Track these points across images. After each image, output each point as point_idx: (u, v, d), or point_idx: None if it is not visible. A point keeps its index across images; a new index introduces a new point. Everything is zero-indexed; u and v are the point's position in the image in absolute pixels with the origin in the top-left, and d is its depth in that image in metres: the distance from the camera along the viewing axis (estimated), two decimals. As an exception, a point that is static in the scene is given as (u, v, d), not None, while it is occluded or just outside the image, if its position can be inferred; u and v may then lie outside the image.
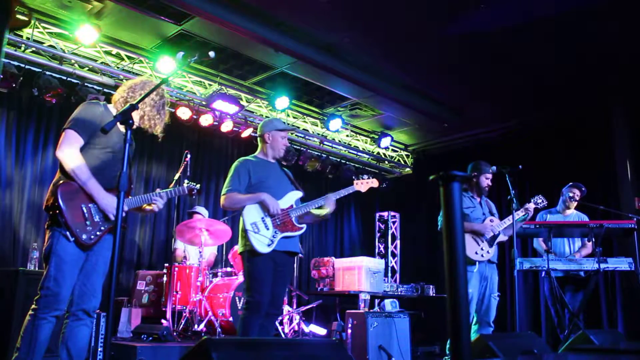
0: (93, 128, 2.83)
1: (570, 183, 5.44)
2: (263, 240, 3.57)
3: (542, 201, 4.60)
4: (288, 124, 7.79)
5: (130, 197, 2.99)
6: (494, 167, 4.51)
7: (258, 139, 3.92)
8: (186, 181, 3.46)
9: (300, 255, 6.92)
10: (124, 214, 2.87)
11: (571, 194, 5.37)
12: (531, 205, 4.56)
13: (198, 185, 3.39)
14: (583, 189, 5.38)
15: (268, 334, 3.68)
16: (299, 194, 3.85)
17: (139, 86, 3.04)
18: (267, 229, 3.61)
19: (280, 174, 3.88)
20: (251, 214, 3.62)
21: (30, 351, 2.60)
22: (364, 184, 4.09)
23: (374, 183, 4.13)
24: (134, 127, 3.04)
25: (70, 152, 2.76)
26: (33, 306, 2.69)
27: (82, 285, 2.81)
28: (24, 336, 2.64)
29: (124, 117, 2.40)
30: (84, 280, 2.82)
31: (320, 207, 3.84)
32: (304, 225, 3.79)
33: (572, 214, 5.39)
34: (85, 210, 2.77)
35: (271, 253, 3.58)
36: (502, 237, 4.61)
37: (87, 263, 2.84)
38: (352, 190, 4.03)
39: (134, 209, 3.04)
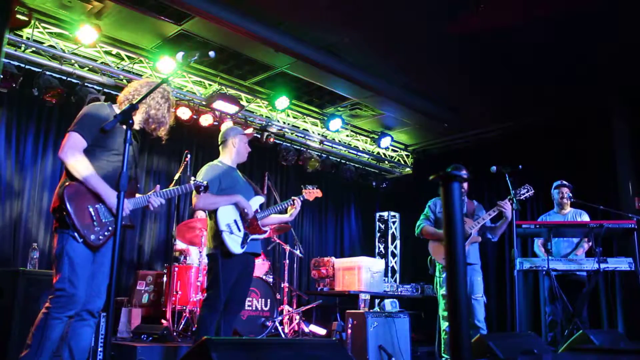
0: (98, 130, 2.81)
1: (555, 184, 5.48)
2: (237, 241, 3.71)
3: (528, 191, 4.63)
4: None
5: (138, 195, 3.00)
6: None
7: (221, 145, 4.03)
8: (192, 178, 3.47)
9: (299, 255, 6.98)
10: (127, 214, 2.90)
11: (559, 195, 5.41)
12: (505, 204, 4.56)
13: (205, 182, 3.40)
14: (568, 184, 5.41)
15: (231, 328, 3.84)
16: (261, 199, 4.03)
17: (144, 87, 3.03)
18: (239, 230, 3.76)
19: (243, 179, 4.04)
20: (226, 215, 3.73)
21: (40, 349, 2.60)
22: (312, 193, 4.34)
23: (318, 193, 4.39)
24: (138, 128, 3.08)
25: (72, 153, 2.75)
26: (47, 304, 2.68)
27: (89, 288, 2.81)
28: (35, 333, 2.64)
29: (124, 117, 2.41)
30: (89, 281, 2.81)
31: (281, 212, 4.10)
32: (268, 229, 4.02)
33: (570, 212, 5.40)
34: (92, 212, 2.77)
35: (242, 254, 3.72)
36: (476, 238, 4.69)
37: (93, 264, 2.83)
38: (303, 198, 4.26)
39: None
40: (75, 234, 2.70)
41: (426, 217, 5.04)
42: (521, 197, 4.65)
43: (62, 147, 2.79)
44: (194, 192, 3.75)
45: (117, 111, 2.97)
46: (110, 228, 2.83)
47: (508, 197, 4.54)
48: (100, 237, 2.78)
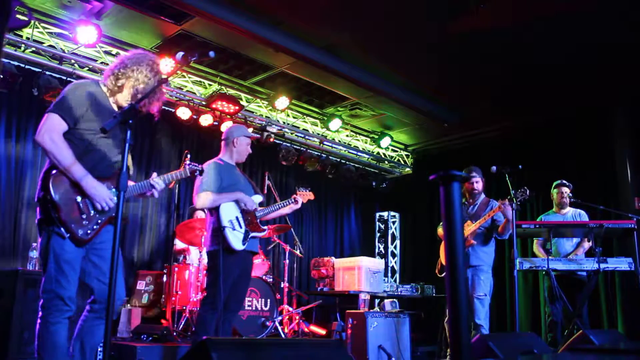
0: (81, 111, 2.60)
1: (554, 184, 5.48)
2: (239, 237, 3.75)
3: (523, 193, 4.64)
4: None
5: (132, 183, 2.81)
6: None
7: (223, 142, 4.07)
8: (187, 162, 3.40)
9: (299, 255, 6.98)
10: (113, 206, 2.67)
11: (559, 194, 5.40)
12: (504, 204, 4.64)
13: (201, 167, 3.29)
14: (568, 184, 5.41)
15: (230, 327, 3.87)
16: (260, 198, 4.07)
17: (131, 61, 2.76)
18: (241, 227, 3.80)
19: (244, 177, 4.09)
20: (228, 212, 3.77)
21: (55, 358, 2.47)
22: (305, 196, 4.42)
23: (311, 196, 4.47)
24: (127, 105, 2.70)
25: (50, 137, 2.50)
26: (40, 313, 2.50)
27: (100, 283, 2.62)
28: (41, 345, 2.47)
29: (124, 117, 2.32)
30: (100, 276, 2.63)
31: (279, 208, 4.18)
32: (266, 228, 4.10)
33: (570, 212, 5.40)
34: (81, 204, 2.55)
35: (242, 252, 3.76)
36: (469, 242, 4.78)
37: (98, 258, 2.65)
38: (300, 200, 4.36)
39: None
40: (62, 229, 2.48)
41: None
42: (518, 200, 4.68)
43: (39, 130, 2.53)
44: (195, 190, 3.77)
45: (104, 88, 2.78)
46: (99, 221, 2.60)
47: (508, 198, 4.56)
48: (89, 231, 2.56)
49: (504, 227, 4.76)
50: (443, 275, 5.05)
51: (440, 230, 5.19)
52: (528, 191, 4.55)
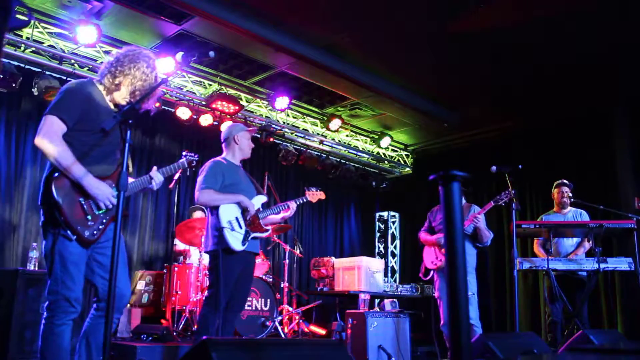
0: (80, 111, 2.58)
1: (555, 183, 5.49)
2: (238, 237, 3.74)
3: (507, 196, 4.68)
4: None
5: (132, 179, 2.81)
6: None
7: (224, 143, 4.04)
8: (184, 153, 3.36)
9: (299, 255, 6.98)
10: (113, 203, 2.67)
11: (560, 194, 5.40)
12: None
13: (197, 156, 3.27)
14: (569, 183, 5.41)
15: (232, 327, 3.88)
16: (263, 198, 4.05)
17: (127, 58, 2.72)
18: (241, 227, 3.78)
19: (247, 177, 4.07)
20: (227, 213, 3.75)
21: (58, 359, 2.47)
22: (314, 195, 4.43)
23: (322, 195, 4.49)
24: (124, 103, 2.76)
25: (50, 140, 2.49)
26: (45, 314, 2.50)
27: (105, 282, 2.62)
28: (45, 346, 2.46)
29: (124, 117, 2.33)
30: (105, 275, 2.62)
31: (277, 213, 4.17)
32: (269, 228, 4.04)
33: (570, 212, 5.40)
34: (85, 205, 2.56)
35: (242, 252, 3.74)
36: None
37: (103, 257, 2.65)
38: (305, 200, 4.39)
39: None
40: (68, 231, 2.49)
41: (424, 225, 5.36)
42: (500, 203, 4.74)
43: (38, 133, 2.52)
44: (196, 187, 3.76)
45: (100, 87, 2.74)
46: (104, 220, 2.62)
47: (492, 199, 4.75)
48: (95, 232, 2.58)
49: (480, 236, 4.87)
50: (427, 278, 5.16)
51: (421, 235, 5.23)
52: (514, 192, 4.58)
